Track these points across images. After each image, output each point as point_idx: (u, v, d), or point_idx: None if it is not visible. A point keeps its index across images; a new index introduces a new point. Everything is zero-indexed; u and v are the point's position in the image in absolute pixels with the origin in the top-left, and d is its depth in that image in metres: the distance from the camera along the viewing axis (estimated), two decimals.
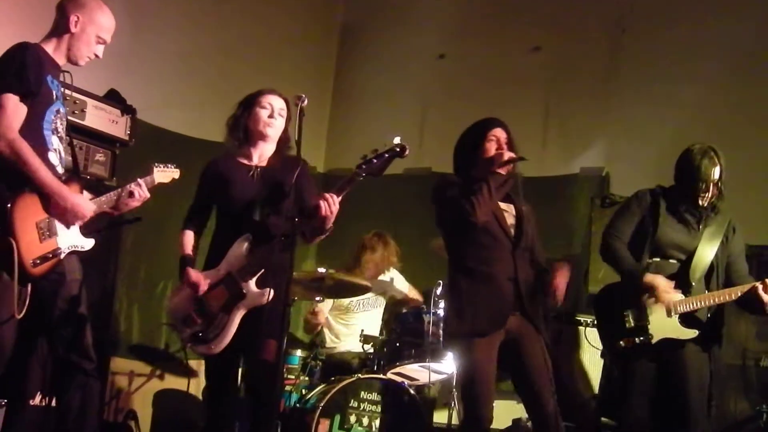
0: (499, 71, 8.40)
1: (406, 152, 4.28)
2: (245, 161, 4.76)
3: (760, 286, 4.78)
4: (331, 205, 4.29)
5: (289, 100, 4.67)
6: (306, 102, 4.35)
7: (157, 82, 7.20)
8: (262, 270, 4.41)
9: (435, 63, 8.78)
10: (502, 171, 4.59)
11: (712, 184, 4.90)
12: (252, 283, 4.45)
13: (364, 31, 9.43)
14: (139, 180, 4.47)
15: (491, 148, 4.66)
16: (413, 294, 6.85)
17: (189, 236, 4.76)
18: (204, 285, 4.54)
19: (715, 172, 4.89)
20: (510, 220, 4.67)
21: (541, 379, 4.49)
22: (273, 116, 4.70)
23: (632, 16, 7.92)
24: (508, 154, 4.59)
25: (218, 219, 4.79)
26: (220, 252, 4.60)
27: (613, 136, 7.70)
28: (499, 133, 4.71)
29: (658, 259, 4.96)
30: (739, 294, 4.81)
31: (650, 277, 4.85)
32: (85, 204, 4.16)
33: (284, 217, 4.45)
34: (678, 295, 4.86)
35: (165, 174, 4.69)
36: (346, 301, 6.75)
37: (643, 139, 7.51)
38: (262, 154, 4.77)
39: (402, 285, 6.91)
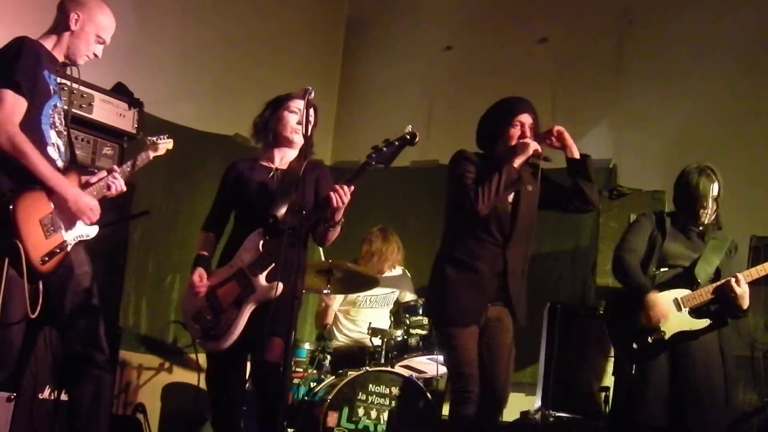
0: (506, 63, 8.38)
1: (417, 139, 4.29)
2: (266, 163, 4.76)
3: (732, 279, 4.84)
4: (342, 195, 4.30)
5: (316, 106, 4.60)
6: (313, 95, 4.36)
7: (164, 76, 7.20)
8: (272, 264, 4.38)
9: (442, 55, 8.76)
10: (518, 164, 4.59)
11: (711, 200, 5.00)
12: (262, 278, 4.43)
13: (370, 24, 9.41)
14: (115, 173, 4.39)
15: (515, 135, 4.67)
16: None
17: (207, 238, 4.76)
18: (202, 287, 4.54)
19: (714, 188, 5.01)
20: (507, 208, 4.70)
21: (502, 376, 4.65)
22: (301, 122, 4.61)
23: (639, 7, 7.90)
24: (532, 147, 4.60)
25: (236, 219, 4.78)
26: (234, 249, 4.59)
27: (620, 127, 7.69)
28: (524, 118, 4.71)
29: (665, 269, 5.04)
30: (712, 289, 4.90)
31: (652, 298, 4.89)
32: (87, 198, 4.15)
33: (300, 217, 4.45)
34: (685, 290, 4.93)
35: (158, 146, 4.69)
36: (352, 296, 6.75)
37: (651, 131, 7.50)
38: (284, 157, 4.77)
39: (408, 287, 6.89)
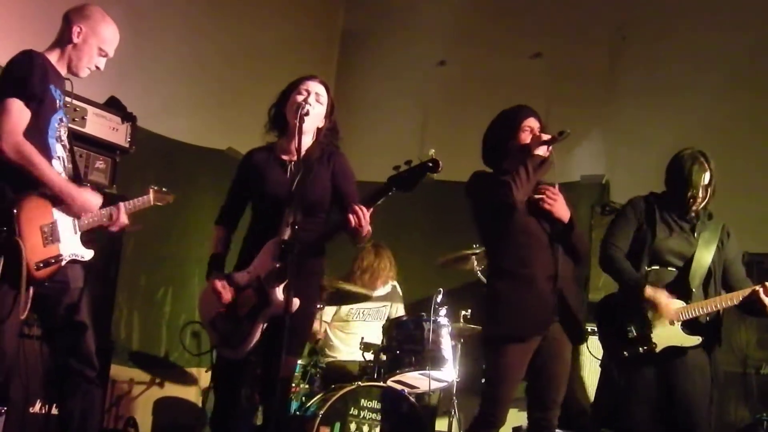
0: (500, 78, 8.40)
1: (440, 168, 4.00)
2: (283, 155, 4.53)
3: (761, 290, 4.79)
4: (361, 219, 4.12)
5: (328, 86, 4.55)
6: (307, 109, 4.34)
7: (157, 90, 7.20)
8: (289, 278, 4.14)
9: (436, 70, 8.79)
10: (540, 152, 4.56)
11: (702, 189, 4.94)
12: (278, 291, 4.26)
13: (364, 38, 9.44)
14: (120, 204, 4.41)
15: (526, 139, 4.65)
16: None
17: (220, 233, 4.60)
18: (227, 296, 4.38)
19: (705, 177, 4.94)
20: (545, 214, 4.64)
21: (557, 397, 4.56)
22: (308, 102, 4.40)
23: (633, 22, 7.94)
24: (546, 135, 4.59)
25: (252, 215, 4.60)
26: (252, 251, 4.42)
27: (613, 143, 7.72)
28: (532, 122, 4.70)
29: (657, 267, 4.97)
30: (741, 298, 4.83)
31: (651, 292, 4.86)
32: (93, 198, 4.20)
33: (319, 217, 4.38)
34: (679, 303, 4.88)
35: (161, 197, 4.70)
36: (344, 310, 6.74)
37: (643, 147, 7.52)
38: (302, 145, 4.40)
39: (399, 301, 6.89)
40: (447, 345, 5.94)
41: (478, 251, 6.22)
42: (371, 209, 4.18)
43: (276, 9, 8.68)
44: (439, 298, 5.97)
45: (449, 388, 6.08)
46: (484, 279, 6.22)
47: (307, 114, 4.36)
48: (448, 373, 5.90)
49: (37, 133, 4.04)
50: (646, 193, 5.17)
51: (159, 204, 4.71)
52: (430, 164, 4.02)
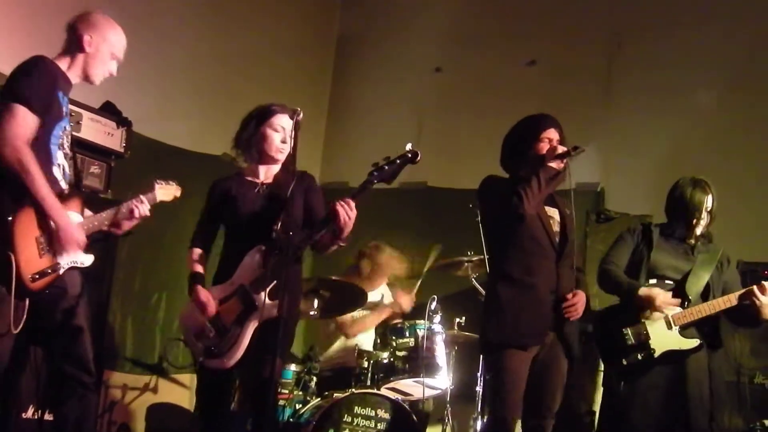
0: (495, 84, 8.41)
1: (419, 158, 4.22)
2: (252, 178, 4.75)
3: (756, 288, 4.84)
4: (348, 211, 4.25)
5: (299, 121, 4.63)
6: (302, 116, 4.35)
7: (153, 94, 7.19)
8: (275, 282, 4.31)
9: (431, 76, 8.80)
10: (554, 165, 4.56)
11: (705, 212, 5.02)
12: (264, 295, 4.36)
13: (360, 44, 9.44)
14: (141, 196, 4.46)
15: (543, 149, 4.65)
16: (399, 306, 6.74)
17: (197, 254, 4.72)
18: (212, 307, 4.50)
19: (708, 200, 5.02)
20: (555, 226, 4.66)
21: (552, 405, 4.55)
22: (285, 141, 4.65)
23: (628, 29, 7.94)
24: (561, 148, 4.59)
25: (226, 235, 4.75)
26: (230, 266, 4.55)
27: (608, 150, 7.70)
28: (552, 134, 4.71)
29: (654, 281, 5.03)
30: (737, 297, 4.88)
31: (646, 290, 4.90)
32: (77, 233, 4.11)
33: (292, 231, 4.39)
34: (676, 308, 4.93)
35: (167, 191, 4.68)
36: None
37: (639, 154, 7.53)
38: (269, 171, 4.76)
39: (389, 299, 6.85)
40: (441, 352, 5.94)
41: (474, 259, 6.21)
42: (356, 202, 4.29)
43: (272, 14, 8.67)
44: (433, 305, 5.96)
45: (443, 395, 6.07)
46: (479, 286, 6.24)
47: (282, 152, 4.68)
48: (442, 380, 5.90)
49: (40, 139, 4.02)
50: (640, 200, 5.22)
51: (164, 200, 4.68)
52: (409, 155, 4.23)
